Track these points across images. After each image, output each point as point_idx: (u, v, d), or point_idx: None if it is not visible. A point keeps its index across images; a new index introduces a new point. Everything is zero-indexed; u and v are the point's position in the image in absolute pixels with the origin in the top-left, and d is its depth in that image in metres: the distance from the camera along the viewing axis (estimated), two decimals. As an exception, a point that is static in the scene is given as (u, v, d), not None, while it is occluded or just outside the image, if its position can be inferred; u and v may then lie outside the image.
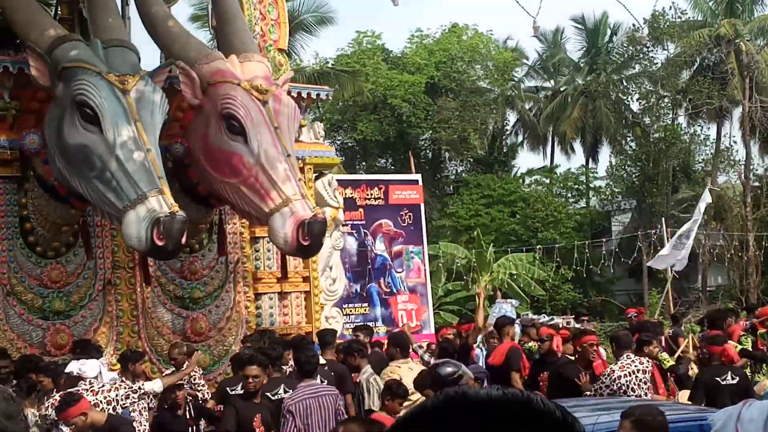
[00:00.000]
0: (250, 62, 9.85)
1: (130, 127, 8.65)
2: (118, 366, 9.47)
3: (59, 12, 10.76)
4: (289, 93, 10.46)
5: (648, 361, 9.52)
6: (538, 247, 35.23)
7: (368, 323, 14.94)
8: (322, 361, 9.43)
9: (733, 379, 9.32)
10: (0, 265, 9.73)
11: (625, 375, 9.10)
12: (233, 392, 8.77)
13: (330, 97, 12.63)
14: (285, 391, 8.47)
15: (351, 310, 14.90)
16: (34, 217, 9.81)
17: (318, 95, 12.38)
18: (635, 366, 9.21)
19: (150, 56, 10.59)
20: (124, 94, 8.78)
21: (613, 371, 9.18)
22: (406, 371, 9.34)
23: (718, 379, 9.33)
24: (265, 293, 11.62)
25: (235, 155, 9.33)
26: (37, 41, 9.00)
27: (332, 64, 40.37)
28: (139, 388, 8.52)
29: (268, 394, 8.53)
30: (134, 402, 8.28)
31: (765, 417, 3.09)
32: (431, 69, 42.19)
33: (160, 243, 8.26)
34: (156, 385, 8.79)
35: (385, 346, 10.96)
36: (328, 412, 8.11)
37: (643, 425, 4.92)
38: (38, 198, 9.67)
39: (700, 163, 43.54)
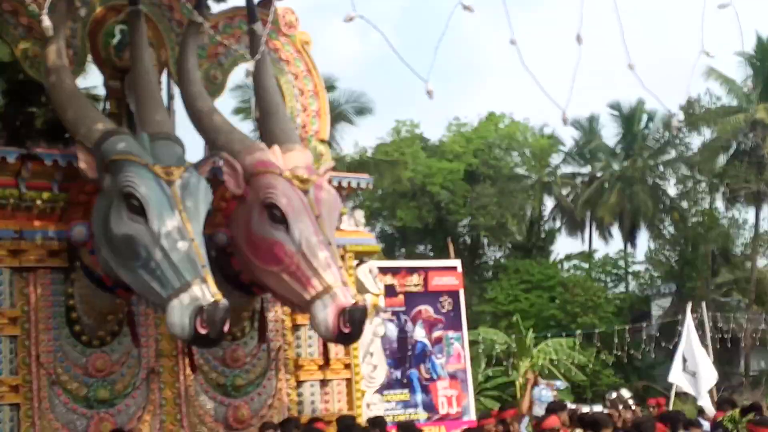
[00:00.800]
0: (291, 152, 9.94)
1: (174, 217, 8.71)
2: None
3: (107, 107, 10.93)
4: (330, 182, 10.52)
5: None
6: (577, 332, 34.89)
7: (408, 410, 14.84)
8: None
9: None
10: (46, 354, 9.75)
11: None
12: None
13: (370, 186, 12.67)
14: None
15: (391, 397, 14.78)
16: (80, 307, 9.85)
17: (358, 184, 12.44)
18: None
19: (194, 148, 10.74)
20: (169, 184, 8.85)
21: None
22: None
23: None
24: (306, 381, 11.54)
25: (277, 244, 9.36)
26: (86, 135, 9.13)
27: (372, 153, 40.73)
28: None
29: None
30: None
31: None
32: (469, 156, 42.45)
33: (203, 331, 8.26)
34: None
35: None
36: None
37: None
38: (84, 288, 9.72)
39: (739, 246, 43.20)
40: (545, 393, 14.55)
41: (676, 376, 18.20)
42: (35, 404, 9.65)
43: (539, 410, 12.86)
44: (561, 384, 17.70)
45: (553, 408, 11.37)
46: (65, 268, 9.87)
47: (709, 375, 17.66)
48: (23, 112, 15.95)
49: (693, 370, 17.77)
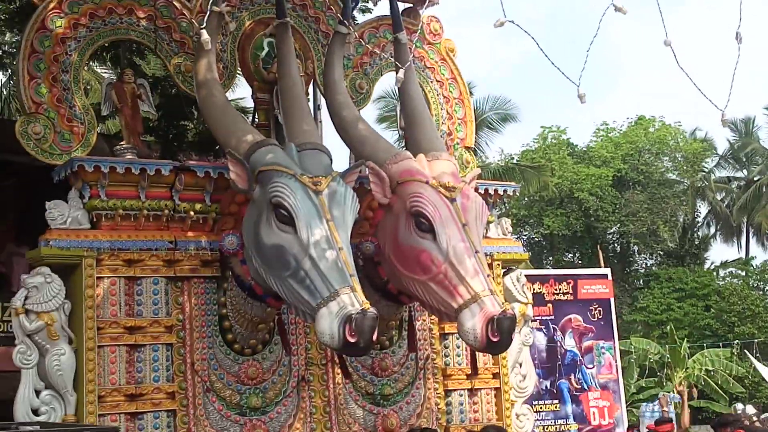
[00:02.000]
0: (437, 161, 9.94)
1: (322, 227, 8.81)
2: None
3: (256, 118, 11.17)
4: (476, 190, 10.48)
5: None
6: (735, 342, 33.88)
7: (559, 421, 14.65)
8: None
9: None
10: (201, 362, 9.99)
11: None
12: None
13: (517, 193, 12.57)
14: None
15: (541, 407, 14.64)
16: (233, 316, 10.06)
17: (505, 191, 12.35)
18: None
19: (341, 157, 10.87)
20: (317, 194, 8.96)
21: None
22: None
23: None
24: (455, 390, 11.51)
25: (424, 252, 9.37)
26: (236, 147, 9.34)
27: (517, 160, 40.50)
28: None
29: None
30: None
31: None
32: (618, 162, 41.75)
33: (352, 340, 8.32)
34: None
35: None
36: None
37: None
38: (236, 297, 9.93)
39: None
40: (655, 408, 14.08)
41: None
42: (191, 411, 9.90)
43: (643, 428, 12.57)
44: (674, 396, 17.05)
45: (725, 421, 11.05)
46: (218, 278, 10.11)
47: None
48: (176, 125, 16.39)
49: None
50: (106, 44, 11.15)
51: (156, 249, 9.81)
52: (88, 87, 13.18)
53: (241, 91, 13.28)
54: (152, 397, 9.75)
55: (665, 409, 12.82)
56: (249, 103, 12.02)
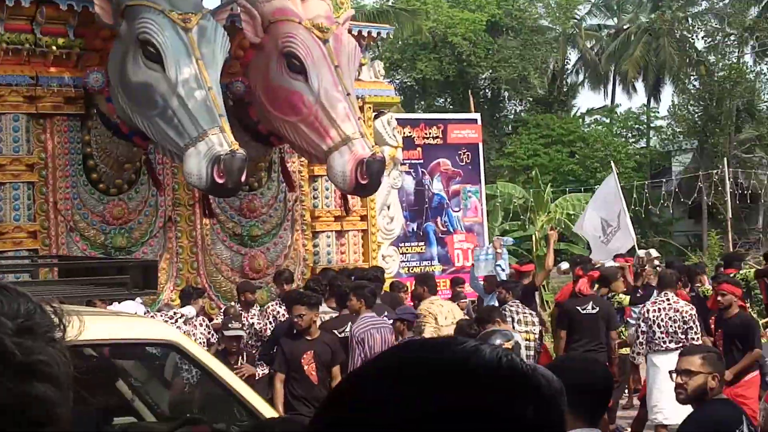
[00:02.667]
0: (311, 0, 9.82)
1: (191, 65, 8.69)
2: (178, 302, 9.60)
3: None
4: (349, 31, 10.42)
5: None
6: (596, 187, 34.94)
7: (424, 262, 15.00)
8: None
9: (593, 309, 9.99)
10: (64, 201, 9.87)
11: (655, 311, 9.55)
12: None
13: (390, 36, 12.58)
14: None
15: (407, 249, 14.92)
16: (97, 155, 9.92)
17: (378, 34, 12.30)
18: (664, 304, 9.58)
19: (211, -6, 10.61)
20: (186, 32, 8.79)
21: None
22: (438, 307, 9.59)
23: (578, 308, 10.00)
24: (322, 231, 11.68)
25: (296, 94, 9.35)
26: (101, -21, 9.03)
27: (392, 2, 40.04)
28: (174, 313, 8.68)
29: (336, 330, 8.55)
30: (179, 328, 8.26)
31: None
32: (492, 7, 41.70)
33: (220, 180, 8.33)
34: (187, 310, 8.88)
35: (413, 286, 10.74)
36: (387, 344, 8.16)
37: None
38: (101, 135, 9.77)
39: (765, 102, 42.81)
40: (489, 252, 14.29)
41: (587, 229, 17.60)
42: (53, 251, 9.83)
43: (482, 271, 12.85)
44: (509, 239, 17.25)
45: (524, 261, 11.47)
46: (82, 116, 9.91)
47: (625, 238, 17.03)
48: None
49: (612, 227, 17.17)
50: None
51: (16, 84, 9.53)
52: None
53: None
54: (13, 237, 9.62)
55: (498, 251, 13.10)
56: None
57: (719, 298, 9.52)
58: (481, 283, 11.83)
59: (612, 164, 19.92)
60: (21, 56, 9.58)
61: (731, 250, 23.58)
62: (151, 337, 5.98)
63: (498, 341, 7.28)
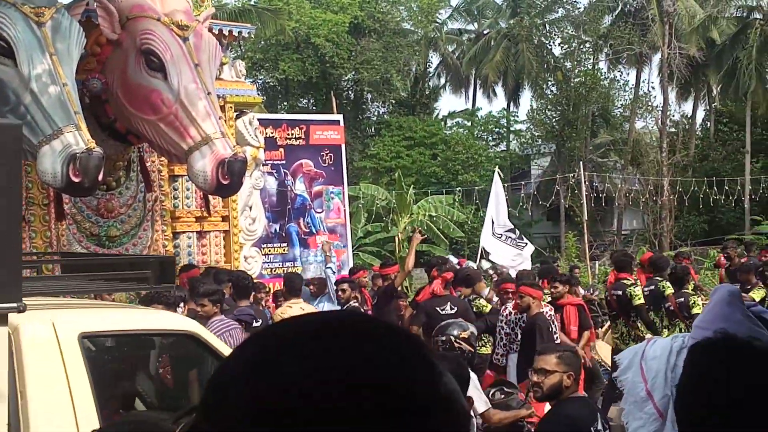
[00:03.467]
0: (170, -3, 9.72)
1: (45, 61, 8.51)
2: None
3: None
4: (210, 30, 10.34)
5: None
6: (458, 189, 35.48)
7: (287, 263, 14.99)
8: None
9: (451, 309, 10.21)
10: None
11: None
12: None
13: (252, 35, 12.51)
14: None
15: (270, 250, 14.90)
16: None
17: (240, 33, 12.24)
18: None
19: (66, -12, 10.40)
20: (39, 26, 8.60)
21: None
22: (298, 311, 9.43)
23: (437, 308, 10.25)
24: (183, 232, 11.56)
25: (154, 92, 9.22)
26: (-53, -31, 8.76)
27: (254, 2, 39.83)
28: None
29: None
30: None
31: (667, 353, 3.17)
32: (355, 9, 41.93)
33: (76, 179, 8.16)
34: None
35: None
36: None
37: None
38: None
39: (618, 108, 44.19)
40: (318, 254, 14.37)
41: (486, 240, 18.16)
42: None
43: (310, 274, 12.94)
44: (337, 244, 17.31)
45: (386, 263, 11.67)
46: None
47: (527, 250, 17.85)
48: None
49: (500, 232, 17.87)
50: None
51: None
52: None
53: None
54: None
55: (328, 254, 13.15)
56: None
57: (518, 300, 9.87)
58: (309, 288, 11.69)
59: (497, 170, 20.32)
60: None
61: (587, 252, 24.20)
62: (172, 328, 6.41)
63: (455, 332, 7.33)
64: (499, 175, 19.55)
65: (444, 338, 7.31)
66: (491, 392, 7.13)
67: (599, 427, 5.29)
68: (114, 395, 6.22)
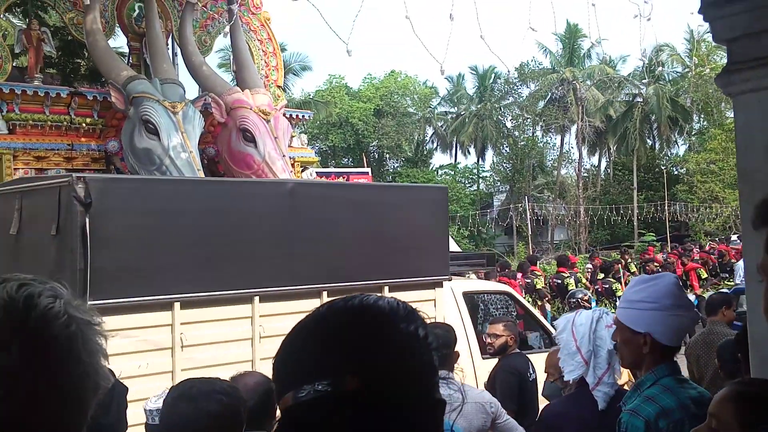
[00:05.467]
0: (258, 94, 9.77)
1: (178, 136, 8.57)
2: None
3: (130, 60, 10.54)
4: (284, 115, 10.40)
5: None
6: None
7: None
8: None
9: None
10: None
11: None
12: None
13: (310, 118, 12.51)
14: None
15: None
16: (115, 196, 9.65)
17: (303, 116, 12.27)
18: None
19: (192, 90, 10.46)
20: (174, 114, 8.68)
21: None
22: None
23: None
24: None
25: (249, 155, 9.27)
26: (116, 79, 8.85)
27: (312, 97, 40.12)
28: None
29: None
30: None
31: (590, 321, 3.12)
32: (377, 99, 42.14)
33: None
34: None
35: None
36: None
37: None
38: (117, 183, 9.52)
39: (550, 161, 44.11)
40: None
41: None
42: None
43: None
44: None
45: None
46: (103, 170, 9.63)
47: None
48: (71, 62, 15.28)
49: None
50: (17, 0, 10.18)
51: (57, 149, 9.23)
52: (5, 33, 11.98)
53: (120, 41, 12.43)
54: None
55: None
56: (125, 49, 11.29)
57: None
58: None
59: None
60: (61, 130, 9.29)
61: (531, 255, 24.06)
62: (498, 289, 7.54)
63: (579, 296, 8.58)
64: (517, 203, 19.20)
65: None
66: None
67: (531, 372, 5.14)
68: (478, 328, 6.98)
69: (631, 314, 2.31)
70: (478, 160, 47.10)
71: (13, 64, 9.43)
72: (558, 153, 43.00)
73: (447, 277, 5.75)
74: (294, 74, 37.33)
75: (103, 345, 0.84)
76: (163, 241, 4.37)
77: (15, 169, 8.89)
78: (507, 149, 44.44)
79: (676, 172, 40.01)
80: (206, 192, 4.94)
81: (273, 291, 4.71)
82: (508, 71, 41.09)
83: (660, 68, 38.56)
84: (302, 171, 12.11)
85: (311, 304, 3.57)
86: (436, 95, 47.90)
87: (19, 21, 16.45)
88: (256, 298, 4.65)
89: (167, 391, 2.36)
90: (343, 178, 15.81)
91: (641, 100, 39.86)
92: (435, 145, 48.67)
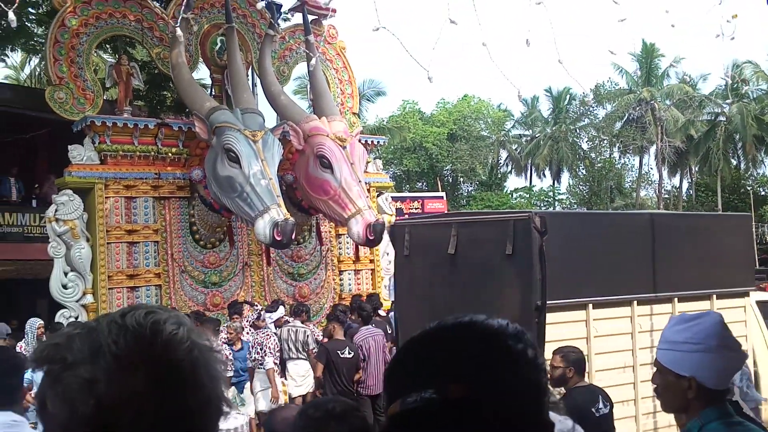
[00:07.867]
0: (334, 121, 9.89)
1: (258, 164, 8.73)
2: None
3: (213, 91, 10.88)
4: (359, 141, 10.49)
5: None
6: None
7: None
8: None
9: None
10: (177, 253, 9.86)
11: None
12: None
13: (385, 144, 12.62)
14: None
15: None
16: (198, 222, 9.91)
17: (378, 142, 12.36)
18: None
19: (271, 119, 10.70)
20: (254, 143, 8.86)
21: None
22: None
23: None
24: (345, 270, 11.63)
25: (326, 181, 9.37)
26: (200, 110, 9.13)
27: (386, 122, 40.42)
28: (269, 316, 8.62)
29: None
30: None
31: None
32: (450, 124, 42.09)
33: (278, 238, 8.32)
34: (277, 314, 8.74)
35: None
36: (379, 345, 7.96)
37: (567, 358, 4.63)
38: (201, 210, 9.77)
39: (628, 183, 42.98)
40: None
41: None
42: (171, 285, 9.78)
43: None
44: None
45: None
46: (188, 198, 9.92)
47: None
48: (158, 95, 15.86)
49: None
50: (108, 37, 10.67)
51: (145, 178, 9.58)
52: (97, 68, 12.57)
53: (203, 73, 12.87)
54: (144, 276, 9.59)
55: None
56: (208, 81, 11.69)
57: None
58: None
59: None
60: (149, 160, 9.64)
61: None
62: None
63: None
64: None
65: None
66: None
67: (600, 404, 4.57)
68: None
69: (675, 356, 2.18)
70: (553, 183, 46.29)
71: (104, 97, 9.88)
72: (637, 174, 41.87)
73: (753, 287, 6.80)
74: (368, 100, 37.73)
75: (223, 372, 0.86)
76: (579, 257, 5.67)
77: (106, 197, 9.28)
78: (583, 171, 43.56)
79: (763, 193, 38.33)
80: (596, 222, 6.34)
81: (644, 297, 5.96)
82: (583, 93, 40.42)
83: (744, 87, 37.20)
84: (378, 196, 12.19)
85: (665, 308, 5.18)
86: (510, 118, 47.52)
87: (108, 56, 17.31)
88: (635, 302, 5.91)
89: (279, 407, 2.34)
90: (418, 202, 15.85)
91: (724, 119, 38.49)
92: (509, 168, 48.11)
